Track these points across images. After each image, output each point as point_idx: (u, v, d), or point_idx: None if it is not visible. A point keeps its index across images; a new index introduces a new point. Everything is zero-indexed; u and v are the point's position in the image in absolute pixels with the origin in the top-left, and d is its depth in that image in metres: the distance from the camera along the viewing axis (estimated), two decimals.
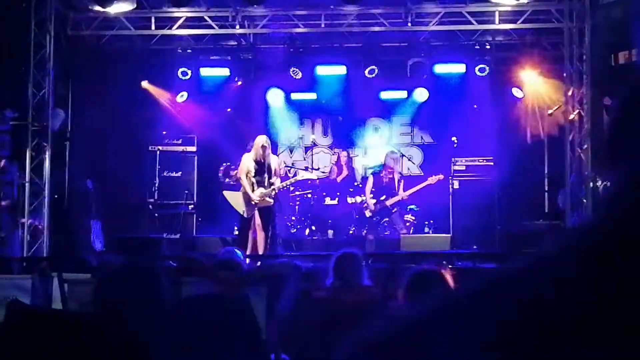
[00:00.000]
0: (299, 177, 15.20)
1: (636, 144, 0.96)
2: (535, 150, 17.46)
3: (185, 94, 18.39)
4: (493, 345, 0.91)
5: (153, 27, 17.04)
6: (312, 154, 18.37)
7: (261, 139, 14.11)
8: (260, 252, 14.16)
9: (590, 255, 0.92)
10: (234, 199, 14.57)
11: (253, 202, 13.92)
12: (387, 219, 15.95)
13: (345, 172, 17.24)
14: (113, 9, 16.00)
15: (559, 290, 0.91)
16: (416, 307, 1.08)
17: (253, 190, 13.91)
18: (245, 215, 14.15)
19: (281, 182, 14.34)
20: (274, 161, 14.21)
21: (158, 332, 3.89)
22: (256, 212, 14.05)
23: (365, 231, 16.00)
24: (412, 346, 0.97)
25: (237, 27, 17.00)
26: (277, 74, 18.36)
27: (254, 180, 13.93)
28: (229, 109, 18.63)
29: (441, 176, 16.04)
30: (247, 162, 14.01)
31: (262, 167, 13.92)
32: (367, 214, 15.87)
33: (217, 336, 3.85)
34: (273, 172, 14.02)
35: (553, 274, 0.94)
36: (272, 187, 13.95)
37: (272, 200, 14.06)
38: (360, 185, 16.82)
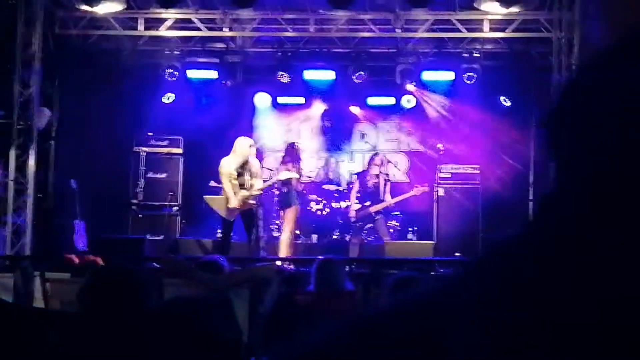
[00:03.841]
0: (280, 177, 15.13)
1: (568, 147, 0.96)
2: (521, 158, 17.49)
3: (172, 95, 18.35)
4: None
5: (141, 27, 17.02)
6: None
7: (245, 142, 14.13)
8: (284, 252, 14.29)
9: (508, 274, 0.92)
10: (216, 202, 14.53)
11: (234, 206, 13.93)
12: (370, 225, 15.93)
13: (330, 178, 17.32)
14: (101, 9, 15.95)
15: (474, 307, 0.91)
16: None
17: (235, 194, 13.92)
18: (228, 218, 14.15)
19: (264, 183, 14.34)
20: (255, 164, 14.23)
21: (140, 333, 3.88)
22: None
23: (349, 236, 15.99)
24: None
25: (225, 29, 16.99)
26: (265, 78, 18.31)
27: (236, 182, 13.94)
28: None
29: (426, 188, 16.02)
30: (229, 166, 14.02)
31: (244, 170, 13.94)
32: (352, 213, 15.84)
33: (198, 338, 3.84)
34: (255, 174, 14.05)
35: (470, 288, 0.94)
36: (253, 188, 13.97)
37: (254, 202, 14.07)
38: (346, 191, 16.81)
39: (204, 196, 15.23)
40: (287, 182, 14.92)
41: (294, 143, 15.82)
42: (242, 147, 14.05)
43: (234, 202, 13.87)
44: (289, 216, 15.00)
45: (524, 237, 0.95)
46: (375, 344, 0.95)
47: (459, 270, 0.99)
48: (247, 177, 13.95)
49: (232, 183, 13.93)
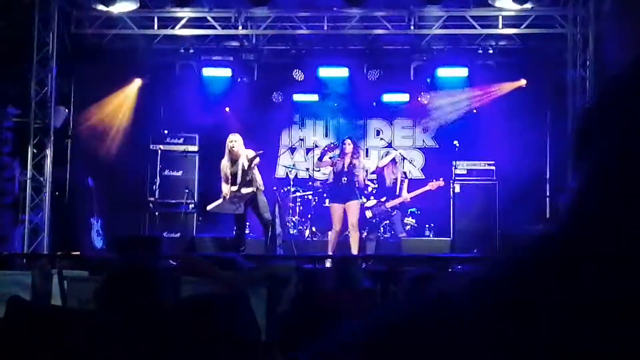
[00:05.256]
0: (260, 152, 15.07)
1: (600, 143, 0.94)
2: (537, 154, 17.43)
3: (187, 93, 18.36)
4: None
5: (156, 26, 17.05)
6: (313, 156, 18.36)
7: (229, 139, 14.18)
8: (355, 250, 14.44)
9: (540, 274, 0.90)
10: (219, 206, 14.51)
11: (230, 197, 13.99)
12: (387, 221, 15.93)
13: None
14: (116, 9, 16.02)
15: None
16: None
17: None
18: (237, 212, 14.17)
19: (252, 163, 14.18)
20: (245, 155, 14.17)
21: (157, 331, 3.89)
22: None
23: (365, 233, 15.97)
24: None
25: (240, 28, 17.00)
26: (280, 75, 18.33)
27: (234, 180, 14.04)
28: (227, 108, 18.64)
29: (441, 182, 16.00)
30: (224, 167, 14.16)
31: (236, 165, 13.99)
32: (368, 214, 15.82)
33: (217, 336, 3.85)
34: (249, 164, 14.02)
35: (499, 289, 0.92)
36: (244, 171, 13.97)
37: (249, 189, 14.06)
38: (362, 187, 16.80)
39: (207, 207, 15.17)
40: (347, 174, 14.85)
41: (344, 139, 15.66)
42: (227, 143, 14.13)
43: (225, 190, 13.99)
44: (354, 210, 14.90)
45: (554, 237, 0.93)
46: (396, 343, 0.94)
47: (486, 269, 0.97)
48: (239, 171, 13.98)
49: (229, 182, 14.03)
